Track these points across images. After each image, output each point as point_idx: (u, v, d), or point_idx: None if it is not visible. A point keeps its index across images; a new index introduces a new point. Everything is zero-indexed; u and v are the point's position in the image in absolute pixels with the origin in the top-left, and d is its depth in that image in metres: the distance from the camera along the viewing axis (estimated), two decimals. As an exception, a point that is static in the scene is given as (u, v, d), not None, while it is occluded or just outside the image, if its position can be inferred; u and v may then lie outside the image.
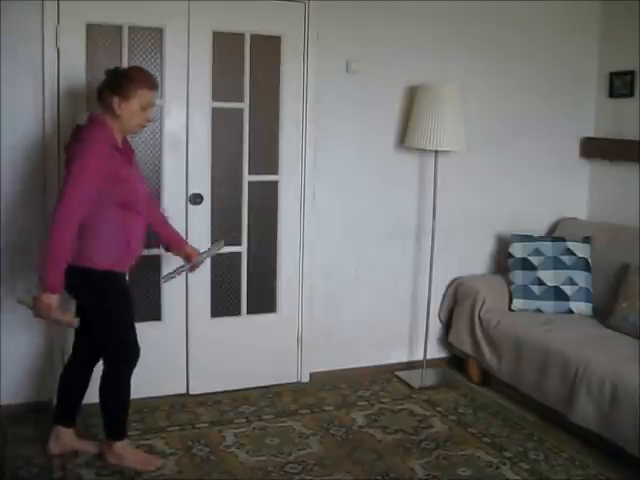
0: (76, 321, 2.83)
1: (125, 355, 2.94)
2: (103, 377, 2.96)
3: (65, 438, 3.08)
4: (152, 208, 3.15)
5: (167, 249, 3.26)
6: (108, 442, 3.00)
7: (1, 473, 2.91)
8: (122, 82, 2.77)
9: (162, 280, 3.34)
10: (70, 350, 3.14)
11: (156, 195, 3.60)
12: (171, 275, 3.16)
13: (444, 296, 4.29)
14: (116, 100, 2.75)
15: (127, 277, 3.07)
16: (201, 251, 3.22)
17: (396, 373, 4.16)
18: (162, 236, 3.22)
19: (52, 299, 2.69)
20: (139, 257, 2.98)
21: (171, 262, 3.42)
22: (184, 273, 3.25)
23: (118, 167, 2.77)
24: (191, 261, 3.16)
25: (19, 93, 3.28)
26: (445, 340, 4.30)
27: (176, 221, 3.62)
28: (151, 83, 2.83)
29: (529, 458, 3.18)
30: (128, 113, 2.78)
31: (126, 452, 2.99)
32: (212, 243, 3.17)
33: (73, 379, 3.10)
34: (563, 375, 3.36)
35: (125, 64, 3.43)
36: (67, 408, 3.09)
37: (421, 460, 3.13)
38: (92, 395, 3.56)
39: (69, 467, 2.97)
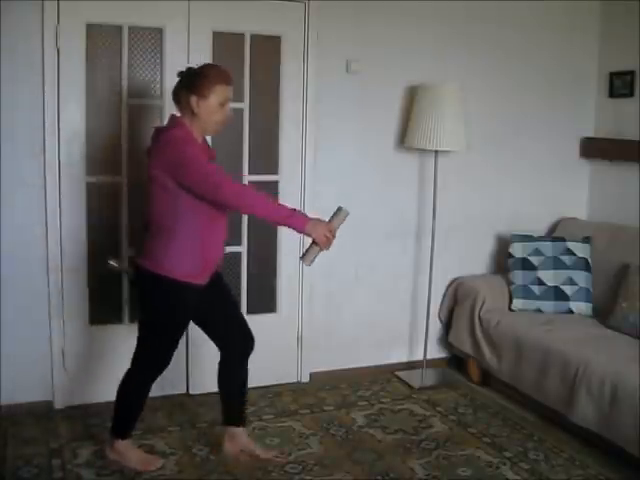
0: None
1: (150, 367, 2.92)
2: (126, 374, 2.95)
3: (240, 438, 3.08)
4: None
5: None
6: (111, 438, 2.99)
7: (1, 473, 2.91)
8: (198, 80, 2.73)
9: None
10: (69, 350, 3.14)
11: (156, 195, 3.61)
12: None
13: (444, 296, 4.29)
14: (194, 99, 2.71)
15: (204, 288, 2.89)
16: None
17: (396, 373, 4.16)
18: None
19: (316, 223, 2.66)
20: (219, 261, 2.91)
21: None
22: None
23: None
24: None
25: (19, 93, 3.28)
26: (445, 340, 4.30)
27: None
28: (226, 78, 2.76)
29: (529, 458, 3.18)
30: (207, 111, 2.73)
31: (127, 451, 2.98)
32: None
33: (225, 378, 3.06)
34: (563, 375, 3.36)
35: (125, 64, 3.44)
36: (231, 407, 3.07)
37: (421, 460, 3.13)
38: (93, 395, 3.57)
39: (69, 467, 2.97)
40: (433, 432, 3.42)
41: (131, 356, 3.63)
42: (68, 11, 3.30)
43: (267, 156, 3.81)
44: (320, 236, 2.68)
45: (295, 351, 3.99)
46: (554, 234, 4.37)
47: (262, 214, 2.71)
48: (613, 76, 4.34)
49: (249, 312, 3.86)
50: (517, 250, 4.07)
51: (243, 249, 3.81)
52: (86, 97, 3.41)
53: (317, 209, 3.89)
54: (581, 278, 3.97)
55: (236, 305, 3.17)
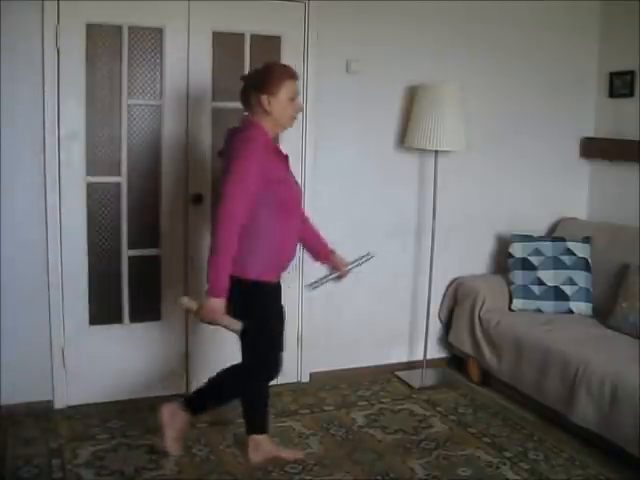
0: (240, 325, 2.77)
1: (259, 374, 2.93)
2: (233, 370, 2.96)
3: (265, 446, 3.05)
4: (305, 220, 3.10)
5: (314, 258, 3.17)
6: (180, 406, 2.99)
7: (1, 473, 2.91)
8: (265, 79, 2.76)
9: (310, 288, 3.15)
10: (69, 350, 3.14)
11: (156, 195, 3.61)
12: (319, 283, 3.07)
13: (444, 296, 4.29)
14: (264, 98, 2.74)
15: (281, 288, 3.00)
16: (349, 261, 3.11)
17: (396, 373, 4.16)
18: (309, 245, 3.14)
19: (218, 304, 2.66)
20: (290, 262, 2.93)
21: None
22: (331, 282, 3.14)
23: (275, 168, 2.76)
24: (339, 270, 3.09)
25: (19, 93, 3.28)
26: (445, 340, 4.30)
27: (176, 221, 3.64)
28: (292, 73, 2.81)
29: (529, 458, 3.18)
30: (279, 107, 2.77)
31: (177, 423, 2.98)
32: (362, 256, 3.08)
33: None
34: (563, 375, 3.36)
35: (125, 64, 3.44)
36: (254, 415, 3.06)
37: (421, 460, 3.13)
38: (93, 395, 3.57)
39: (69, 467, 2.97)
40: (433, 432, 3.42)
41: (131, 356, 3.65)
42: (68, 11, 3.30)
43: (267, 156, 3.81)
44: (204, 312, 2.71)
45: (295, 351, 3.99)
46: (554, 234, 4.37)
47: (210, 264, 2.68)
48: (613, 76, 4.34)
49: (249, 312, 3.87)
50: (517, 250, 4.07)
51: (243, 249, 3.81)
52: (86, 97, 3.41)
53: (317, 209, 3.90)
54: (581, 278, 3.97)
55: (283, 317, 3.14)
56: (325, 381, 4.00)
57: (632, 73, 4.19)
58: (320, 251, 3.14)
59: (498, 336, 3.83)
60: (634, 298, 3.62)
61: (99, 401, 3.58)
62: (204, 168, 3.66)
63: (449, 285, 4.29)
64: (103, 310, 3.61)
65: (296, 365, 4.00)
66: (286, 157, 2.90)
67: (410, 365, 4.24)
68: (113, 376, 3.61)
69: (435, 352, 4.30)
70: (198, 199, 3.66)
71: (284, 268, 2.92)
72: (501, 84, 4.26)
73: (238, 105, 3.66)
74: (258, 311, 2.83)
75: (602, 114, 4.45)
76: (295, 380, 3.99)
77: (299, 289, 3.95)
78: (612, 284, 3.89)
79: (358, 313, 4.11)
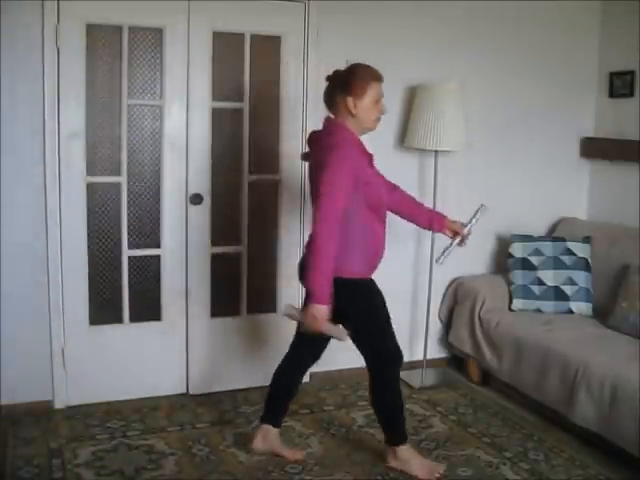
0: (345, 333, 2.78)
1: (387, 361, 2.93)
2: (372, 386, 2.97)
3: (272, 438, 3.08)
4: (400, 196, 3.13)
5: (430, 229, 3.22)
6: (391, 447, 3.00)
7: (1, 473, 2.91)
8: (351, 81, 2.76)
9: (438, 262, 3.13)
10: (69, 350, 3.14)
11: (156, 195, 3.61)
12: (446, 254, 3.08)
13: (444, 296, 4.29)
14: (350, 100, 2.75)
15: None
16: (465, 222, 3.12)
17: (396, 373, 4.16)
18: (421, 220, 3.16)
19: (321, 311, 2.67)
20: (380, 260, 2.94)
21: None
22: (456, 248, 3.14)
23: (364, 168, 2.79)
24: (459, 234, 3.10)
25: (19, 93, 3.28)
26: (445, 340, 4.30)
27: (176, 221, 3.64)
28: (377, 75, 2.81)
29: (529, 458, 3.18)
30: (364, 110, 2.77)
31: (411, 457, 2.98)
32: (476, 211, 3.08)
33: (284, 379, 3.10)
34: (563, 375, 3.36)
35: (125, 64, 3.44)
36: (276, 407, 3.08)
37: (421, 460, 3.13)
38: (93, 395, 3.57)
39: (69, 467, 2.97)
40: (433, 432, 3.42)
41: (131, 356, 3.65)
42: (68, 11, 3.30)
43: (267, 156, 3.81)
44: (306, 319, 2.73)
45: (295, 351, 3.99)
46: (554, 234, 4.37)
47: (311, 267, 2.70)
48: (613, 76, 4.33)
49: (249, 312, 3.87)
50: (517, 250, 4.07)
51: (243, 249, 3.81)
52: (86, 97, 3.41)
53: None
54: (581, 278, 3.97)
55: None
56: (325, 381, 4.00)
57: (632, 73, 4.19)
58: (434, 222, 3.14)
59: (498, 336, 3.83)
60: (634, 298, 3.62)
61: (99, 401, 3.58)
62: (204, 168, 3.66)
63: (449, 285, 4.29)
64: (103, 310, 3.61)
65: (296, 365, 4.00)
66: (371, 156, 2.91)
67: (410, 365, 4.22)
68: (113, 376, 3.61)
69: (435, 352, 4.30)
70: (198, 199, 3.66)
71: (376, 267, 2.92)
72: (501, 84, 4.26)
73: (238, 105, 3.69)
74: (364, 307, 2.86)
75: (602, 114, 4.45)
76: (295, 380, 3.99)
77: (299, 288, 3.95)
78: (612, 284, 3.89)
79: (358, 313, 4.11)
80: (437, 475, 2.96)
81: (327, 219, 2.66)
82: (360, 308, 2.86)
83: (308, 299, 2.75)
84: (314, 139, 2.92)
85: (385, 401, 2.97)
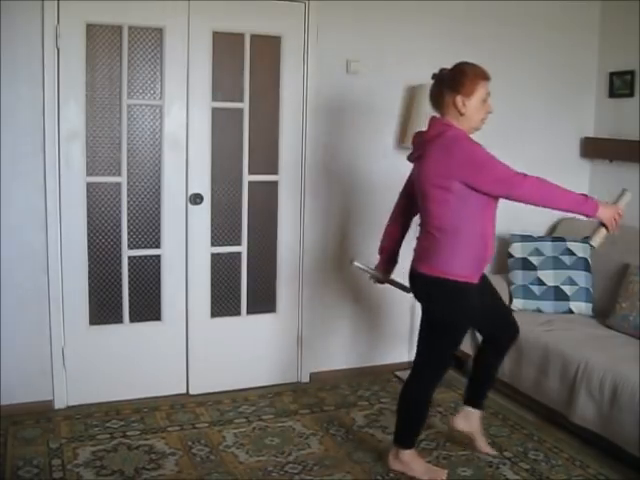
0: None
1: (435, 368, 2.91)
2: (406, 381, 2.99)
3: (473, 419, 3.15)
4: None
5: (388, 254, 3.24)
6: (395, 449, 2.98)
7: (1, 473, 2.91)
8: (460, 79, 2.74)
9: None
10: (69, 350, 3.13)
11: (156, 195, 3.61)
12: (363, 268, 3.17)
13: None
14: (459, 99, 2.73)
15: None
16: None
17: (396, 373, 4.16)
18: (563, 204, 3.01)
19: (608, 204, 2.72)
20: (489, 260, 2.89)
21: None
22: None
23: None
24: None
25: (19, 93, 3.28)
26: (445, 340, 4.29)
27: (176, 221, 3.64)
28: (485, 74, 2.78)
29: (529, 458, 3.18)
30: (472, 109, 2.75)
31: (413, 462, 2.97)
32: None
33: (481, 363, 3.16)
34: (563, 375, 3.36)
35: (125, 64, 3.44)
36: (477, 389, 3.15)
37: (421, 460, 3.14)
38: (93, 395, 3.57)
39: (69, 467, 2.97)
40: (433, 432, 3.42)
41: (131, 356, 3.65)
42: (68, 11, 3.30)
43: (267, 156, 3.81)
44: (609, 219, 2.74)
45: (295, 351, 3.99)
46: (554, 234, 4.37)
47: (557, 205, 2.74)
48: (613, 76, 4.33)
49: (249, 312, 3.87)
50: (517, 250, 4.07)
51: (243, 249, 3.81)
52: (86, 97, 3.41)
53: (317, 209, 3.91)
54: (581, 278, 3.97)
55: (499, 296, 3.16)
56: (325, 381, 4.00)
57: (632, 73, 4.19)
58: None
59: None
60: (634, 298, 3.62)
61: (99, 401, 3.58)
62: (204, 168, 3.66)
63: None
64: (103, 310, 3.61)
65: (296, 365, 4.00)
66: None
67: (410, 365, 4.22)
68: (113, 376, 3.61)
69: (435, 352, 4.29)
70: (198, 199, 3.66)
71: (484, 267, 2.88)
72: (501, 84, 4.21)
73: (238, 105, 3.69)
74: (456, 315, 2.82)
75: (602, 114, 4.45)
76: (295, 380, 4.00)
77: (299, 288, 3.96)
78: (612, 284, 3.89)
79: (358, 313, 4.11)
80: (439, 479, 2.95)
81: (518, 179, 2.67)
82: (445, 312, 2.81)
83: (594, 206, 2.70)
84: (421, 140, 2.86)
85: (409, 401, 2.95)
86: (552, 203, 2.73)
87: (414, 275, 2.89)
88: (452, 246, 2.74)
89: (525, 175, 2.68)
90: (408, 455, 2.96)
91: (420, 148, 2.84)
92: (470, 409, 3.15)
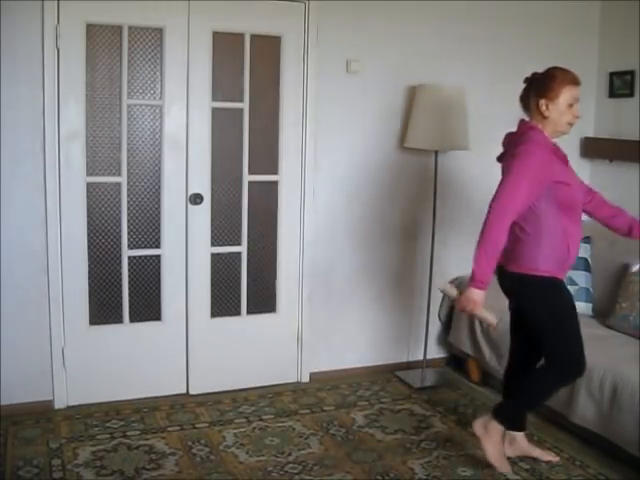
0: (496, 322, 2.84)
1: (564, 367, 2.88)
2: (535, 370, 2.98)
3: (521, 443, 3.10)
4: (598, 201, 3.12)
5: (629, 236, 3.15)
6: (490, 417, 2.94)
7: (1, 473, 2.91)
8: (547, 83, 2.78)
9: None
10: (69, 350, 3.14)
11: (156, 195, 3.61)
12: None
13: (444, 296, 4.29)
14: (543, 102, 2.78)
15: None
16: None
17: (396, 373, 4.16)
18: (618, 225, 3.14)
19: (477, 295, 2.71)
20: (572, 262, 2.91)
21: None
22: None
23: (556, 170, 2.77)
24: None
25: (19, 93, 3.28)
26: (445, 340, 4.30)
27: (176, 221, 3.64)
28: (573, 79, 2.81)
29: (529, 458, 3.17)
30: (557, 113, 2.79)
31: (493, 437, 2.91)
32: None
33: (512, 382, 3.09)
34: (563, 375, 3.35)
35: (125, 64, 3.44)
36: (521, 414, 3.08)
37: (421, 460, 3.13)
38: (93, 395, 3.57)
39: (69, 467, 2.97)
40: (433, 432, 3.42)
41: (131, 356, 3.65)
42: (68, 11, 3.30)
43: (267, 156, 3.81)
44: (460, 301, 2.79)
45: (295, 351, 3.99)
46: (554, 234, 4.36)
47: (477, 252, 2.75)
48: (613, 76, 4.33)
49: (249, 312, 3.87)
50: (517, 250, 4.07)
51: (243, 249, 3.81)
52: (86, 97, 3.41)
53: (317, 209, 3.91)
54: (581, 278, 3.97)
55: None
56: (325, 381, 4.00)
57: (632, 73, 4.19)
58: (632, 226, 3.11)
59: (498, 336, 3.82)
60: (634, 298, 3.61)
61: (99, 401, 3.58)
62: (204, 168, 3.66)
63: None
64: (103, 310, 3.61)
65: (296, 365, 4.00)
66: (565, 157, 2.89)
67: (410, 365, 4.24)
68: (113, 376, 3.61)
69: (435, 352, 4.30)
70: (198, 199, 3.66)
71: (567, 267, 2.89)
72: (501, 84, 4.25)
73: (238, 105, 3.69)
74: (554, 307, 2.86)
75: (602, 114, 4.45)
76: (295, 380, 4.00)
77: (299, 288, 3.96)
78: (612, 284, 3.89)
79: (358, 313, 4.11)
80: (503, 470, 2.97)
81: (501, 206, 2.70)
82: (542, 307, 2.85)
83: (469, 281, 2.75)
84: (508, 141, 2.95)
85: (529, 390, 2.93)
86: (479, 246, 2.75)
87: (503, 275, 2.92)
88: (537, 245, 2.80)
89: (503, 212, 2.71)
90: (497, 431, 2.92)
91: (505, 148, 2.93)
92: (513, 433, 3.09)
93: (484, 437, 2.93)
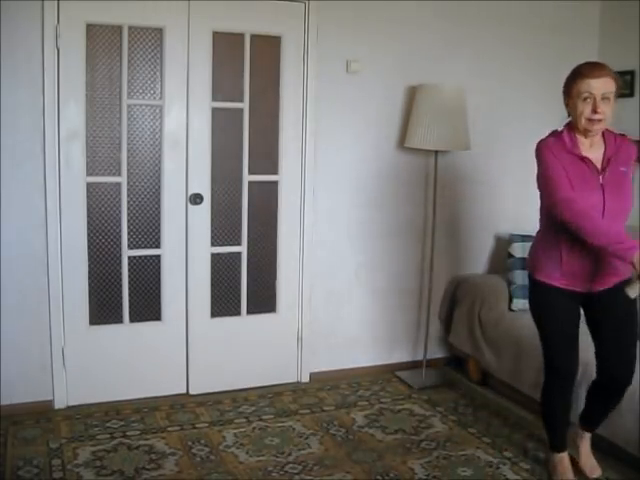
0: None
1: (546, 370, 2.91)
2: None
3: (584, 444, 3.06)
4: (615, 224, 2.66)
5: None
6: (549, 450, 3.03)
7: (1, 473, 2.91)
8: (565, 80, 2.74)
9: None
10: (69, 350, 3.13)
11: (156, 195, 3.61)
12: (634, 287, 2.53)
13: (444, 296, 4.29)
14: (564, 98, 2.75)
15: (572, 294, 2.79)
16: None
17: (396, 373, 4.16)
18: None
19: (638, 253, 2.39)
20: (582, 276, 2.73)
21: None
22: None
23: (567, 173, 2.64)
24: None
25: (19, 93, 3.28)
26: (445, 340, 4.30)
27: (176, 221, 3.64)
28: (583, 72, 2.64)
29: (529, 458, 3.18)
30: (572, 108, 2.70)
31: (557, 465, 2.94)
32: None
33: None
34: (563, 375, 3.35)
35: (125, 64, 3.44)
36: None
37: (421, 460, 3.13)
38: (93, 395, 3.57)
39: (69, 467, 2.97)
40: (433, 432, 3.42)
41: (131, 356, 3.66)
42: (68, 11, 3.30)
43: (267, 156, 3.81)
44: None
45: (295, 351, 3.99)
46: (554, 234, 4.36)
47: (597, 243, 2.55)
48: (613, 76, 4.33)
49: (249, 312, 3.87)
50: (517, 250, 4.07)
51: (243, 249, 3.81)
52: (86, 97, 3.41)
53: (317, 209, 3.91)
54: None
55: (623, 331, 2.84)
56: (325, 381, 4.00)
57: (632, 73, 4.19)
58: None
59: (498, 336, 3.83)
60: (634, 298, 3.61)
61: (99, 401, 3.58)
62: (204, 168, 3.66)
63: (449, 285, 4.29)
64: (103, 310, 3.61)
65: (296, 365, 4.00)
66: (585, 159, 2.70)
67: (410, 365, 4.24)
68: (113, 376, 3.61)
69: (435, 352, 4.30)
70: (198, 199, 3.66)
71: (573, 274, 2.73)
72: (501, 84, 4.26)
73: (238, 105, 3.69)
74: (534, 310, 2.91)
75: (602, 114, 4.44)
76: (295, 380, 4.00)
77: (299, 288, 3.96)
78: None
79: (358, 313, 4.11)
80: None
81: (565, 206, 2.58)
82: (530, 308, 2.94)
83: (626, 256, 2.44)
84: None
85: (541, 405, 2.99)
86: (597, 242, 2.53)
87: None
88: (535, 247, 2.88)
89: (566, 206, 2.59)
90: (557, 458, 2.96)
91: None
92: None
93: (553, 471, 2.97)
